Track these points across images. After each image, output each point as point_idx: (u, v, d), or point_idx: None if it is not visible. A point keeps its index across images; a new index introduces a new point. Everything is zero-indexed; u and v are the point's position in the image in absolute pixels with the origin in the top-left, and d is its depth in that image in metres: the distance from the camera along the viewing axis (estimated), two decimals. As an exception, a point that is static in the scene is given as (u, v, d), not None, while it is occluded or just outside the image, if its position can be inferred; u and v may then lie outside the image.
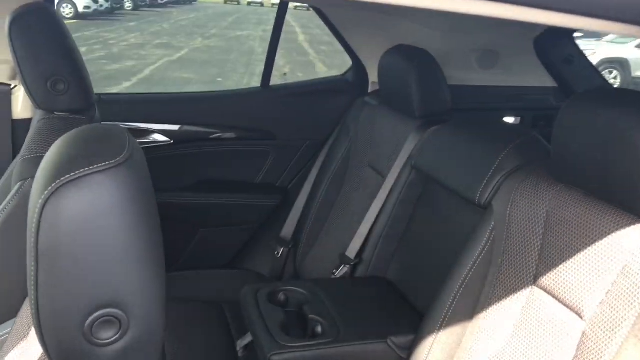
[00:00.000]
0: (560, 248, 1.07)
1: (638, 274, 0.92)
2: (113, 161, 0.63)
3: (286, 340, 1.29)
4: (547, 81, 2.23)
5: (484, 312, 1.21)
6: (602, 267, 0.98)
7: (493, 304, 1.19)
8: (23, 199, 1.27)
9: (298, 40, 15.03)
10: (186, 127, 2.03)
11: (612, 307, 0.95)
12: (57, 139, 1.34)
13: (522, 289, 1.15)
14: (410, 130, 1.66)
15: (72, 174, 0.60)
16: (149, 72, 9.80)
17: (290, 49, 12.71)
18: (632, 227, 0.96)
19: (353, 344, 1.32)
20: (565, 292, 1.05)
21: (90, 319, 0.62)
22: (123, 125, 1.95)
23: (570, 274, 1.05)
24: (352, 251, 1.66)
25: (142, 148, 1.94)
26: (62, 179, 0.60)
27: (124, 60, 10.62)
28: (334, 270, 1.67)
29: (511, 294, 1.16)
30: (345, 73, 2.25)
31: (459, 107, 1.79)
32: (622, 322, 0.92)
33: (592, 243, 1.02)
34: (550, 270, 1.09)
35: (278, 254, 2.06)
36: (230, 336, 1.62)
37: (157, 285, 0.67)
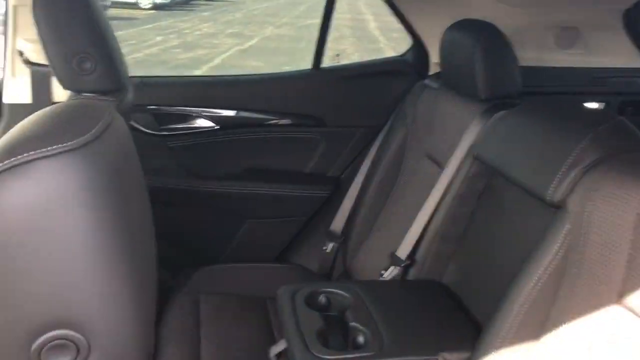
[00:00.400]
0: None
1: None
2: (69, 144, 0.50)
3: (321, 351, 1.14)
4: (638, 61, 1.96)
5: (555, 330, 1.01)
6: None
7: (565, 322, 1.00)
8: None
9: (368, 28, 14.77)
10: (231, 112, 1.91)
11: None
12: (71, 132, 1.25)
13: (602, 307, 0.95)
14: (473, 115, 1.46)
15: (14, 159, 0.48)
16: (220, 60, 9.91)
17: (361, 36, 12.50)
18: None
19: (398, 359, 1.15)
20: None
21: (38, 341, 0.49)
22: (166, 109, 1.87)
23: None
24: (403, 251, 1.49)
25: (185, 133, 1.83)
26: (2, 163, 0.48)
27: (197, 49, 10.80)
28: (383, 272, 1.50)
29: (588, 313, 0.96)
30: (405, 53, 2.06)
31: (532, 91, 1.57)
32: None
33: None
34: None
35: (327, 249, 1.92)
36: (271, 335, 1.50)
37: (131, 298, 0.54)
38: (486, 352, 1.07)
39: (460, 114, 1.53)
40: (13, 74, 1.65)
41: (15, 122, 1.18)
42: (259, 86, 2.01)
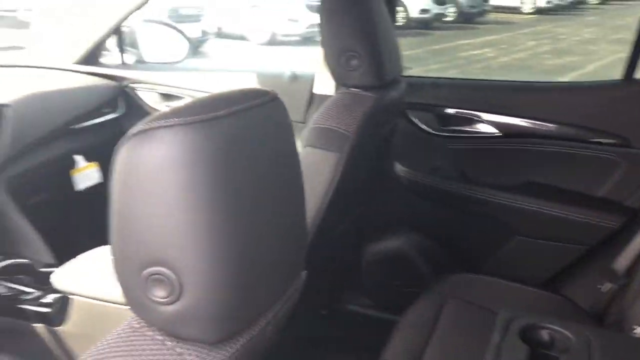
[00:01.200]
0: None
1: None
2: (187, 119, 0.62)
3: None
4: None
5: None
6: None
7: None
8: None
9: None
10: (518, 120, 1.82)
11: None
12: (341, 112, 1.41)
13: None
14: None
15: (142, 126, 0.62)
16: (593, 67, 9.15)
17: None
18: None
19: None
20: None
21: (145, 272, 0.63)
22: (450, 110, 1.90)
23: None
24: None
25: (466, 137, 1.86)
26: (136, 129, 0.63)
27: (568, 55, 10.21)
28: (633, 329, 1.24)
29: None
30: None
31: None
32: None
33: None
34: None
35: (603, 288, 1.66)
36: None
37: (219, 257, 0.64)
38: None
39: None
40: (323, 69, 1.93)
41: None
42: (553, 94, 1.84)
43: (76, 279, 1.42)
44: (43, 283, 1.54)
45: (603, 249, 1.75)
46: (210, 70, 2.44)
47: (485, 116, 1.85)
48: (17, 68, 2.20)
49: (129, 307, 0.67)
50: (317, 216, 1.37)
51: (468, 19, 13.94)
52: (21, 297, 1.53)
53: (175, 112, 0.62)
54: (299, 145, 1.42)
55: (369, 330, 1.79)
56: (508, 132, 1.83)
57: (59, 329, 1.45)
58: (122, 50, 2.35)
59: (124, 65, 2.34)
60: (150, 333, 0.66)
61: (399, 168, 1.97)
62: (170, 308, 0.63)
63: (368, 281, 2.09)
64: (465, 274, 1.75)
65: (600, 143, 1.75)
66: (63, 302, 1.43)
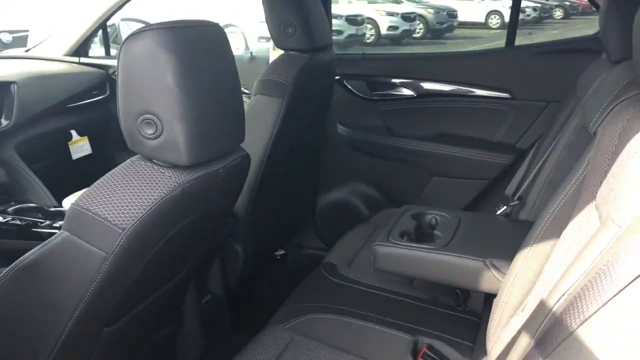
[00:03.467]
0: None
1: None
2: (162, 27, 1.04)
3: (396, 239, 1.47)
4: None
5: (566, 232, 1.13)
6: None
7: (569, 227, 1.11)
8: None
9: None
10: (430, 84, 2.27)
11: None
12: (281, 69, 1.84)
13: (584, 207, 1.05)
14: (600, 73, 1.52)
15: (138, 30, 1.04)
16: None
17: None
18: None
19: (451, 254, 1.39)
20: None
21: (140, 118, 1.04)
22: (378, 79, 2.35)
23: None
24: (512, 191, 1.64)
25: (391, 99, 2.33)
26: (133, 32, 1.05)
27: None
28: (497, 209, 1.68)
29: (577, 213, 1.07)
30: (597, 32, 2.07)
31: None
32: None
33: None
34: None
35: (499, 211, 2.10)
36: None
37: (188, 113, 1.05)
38: (523, 252, 1.23)
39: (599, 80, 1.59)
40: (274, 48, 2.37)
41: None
42: (455, 61, 2.31)
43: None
44: (52, 217, 1.93)
45: (500, 181, 2.20)
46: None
47: (405, 82, 2.31)
48: (17, 59, 2.60)
49: (129, 146, 1.08)
50: (266, 148, 1.79)
51: (436, 35, 14.43)
52: (36, 225, 1.92)
53: (155, 24, 1.05)
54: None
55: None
56: (423, 93, 2.29)
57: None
58: (107, 44, 2.77)
59: (109, 56, 2.76)
60: (142, 162, 1.07)
61: (340, 128, 2.40)
62: (155, 141, 1.03)
63: (321, 227, 2.51)
64: (390, 209, 2.18)
65: (492, 97, 2.21)
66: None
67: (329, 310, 1.57)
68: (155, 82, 1.00)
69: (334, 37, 2.04)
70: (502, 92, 2.19)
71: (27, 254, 1.06)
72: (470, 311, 1.61)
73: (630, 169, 0.79)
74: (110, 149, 2.72)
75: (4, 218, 1.96)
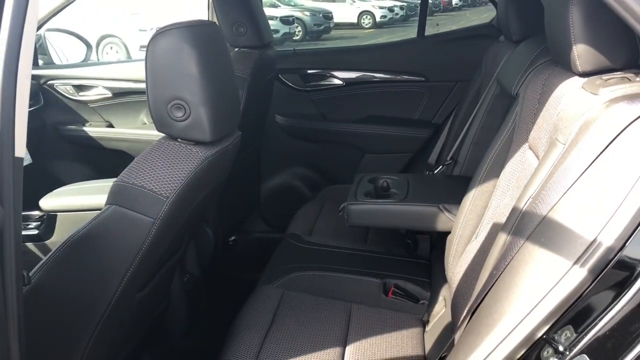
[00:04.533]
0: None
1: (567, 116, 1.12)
2: (182, 26, 1.24)
3: (363, 199, 1.76)
4: None
5: (504, 171, 1.45)
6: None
7: (506, 167, 1.44)
8: None
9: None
10: (356, 73, 2.59)
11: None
12: (237, 64, 2.03)
13: (518, 148, 1.39)
14: (506, 52, 1.91)
15: (163, 29, 1.23)
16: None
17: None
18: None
19: (411, 204, 1.71)
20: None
21: (170, 103, 1.22)
22: (309, 71, 2.62)
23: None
24: (448, 154, 2.00)
25: (323, 89, 2.59)
26: (159, 30, 1.23)
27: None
28: (434, 169, 2.03)
29: (511, 154, 1.41)
30: (491, 20, 2.51)
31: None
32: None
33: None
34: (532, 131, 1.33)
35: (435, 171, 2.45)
36: None
37: (210, 97, 1.24)
38: (468, 195, 1.55)
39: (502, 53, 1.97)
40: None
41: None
42: (377, 52, 2.66)
43: (58, 200, 1.91)
44: (25, 217, 1.99)
45: (422, 152, 2.56)
46: (116, 62, 2.95)
47: (334, 72, 2.61)
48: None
49: (158, 129, 1.26)
50: None
51: (315, 37, 14.91)
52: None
53: (177, 24, 1.24)
54: None
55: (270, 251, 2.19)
56: (350, 82, 2.60)
57: (48, 242, 1.92)
58: (35, 55, 2.79)
59: (37, 66, 2.78)
60: (170, 142, 1.26)
61: (279, 118, 2.65)
62: (184, 123, 1.21)
63: (267, 211, 2.73)
64: (334, 186, 2.47)
65: (410, 81, 2.57)
66: (49, 221, 1.91)
67: (308, 268, 1.82)
68: (182, 72, 1.19)
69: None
70: (418, 76, 2.56)
71: (77, 230, 1.21)
72: (420, 256, 1.94)
73: (560, 107, 1.13)
74: (48, 157, 2.75)
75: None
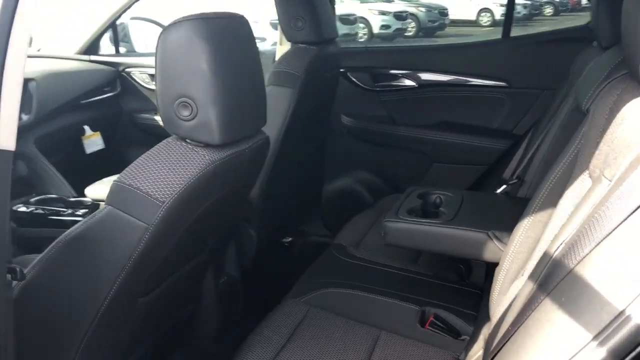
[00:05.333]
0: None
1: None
2: (195, 18, 1.14)
3: (404, 216, 1.58)
4: None
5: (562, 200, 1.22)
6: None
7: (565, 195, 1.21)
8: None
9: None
10: (430, 74, 2.38)
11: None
12: (292, 61, 1.94)
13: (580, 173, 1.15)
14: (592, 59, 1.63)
15: (175, 20, 1.14)
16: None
17: None
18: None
19: (456, 227, 1.50)
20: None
21: (177, 101, 1.14)
22: (381, 70, 2.46)
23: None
24: (510, 172, 1.75)
25: (394, 90, 2.43)
26: (171, 22, 1.15)
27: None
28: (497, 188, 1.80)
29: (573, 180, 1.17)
30: (588, 22, 2.19)
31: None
32: None
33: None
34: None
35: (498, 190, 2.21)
36: None
37: (220, 96, 1.14)
38: (523, 221, 1.33)
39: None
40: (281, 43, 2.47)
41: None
42: (456, 52, 2.42)
43: (101, 189, 1.92)
44: (73, 207, 2.03)
45: (498, 166, 2.31)
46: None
47: (406, 73, 2.42)
48: (32, 58, 2.70)
49: (165, 128, 1.18)
50: (278, 136, 1.90)
51: (428, 34, 14.57)
52: (59, 214, 2.01)
53: (189, 15, 1.15)
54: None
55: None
56: (423, 83, 2.40)
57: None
58: (116, 43, 2.87)
59: (118, 54, 2.86)
60: (177, 142, 1.17)
61: (345, 119, 2.51)
62: (190, 123, 1.12)
63: (327, 214, 2.61)
64: (393, 195, 2.29)
65: (490, 86, 2.32)
66: (93, 209, 1.92)
67: (341, 285, 1.67)
68: (191, 67, 1.09)
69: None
70: (500, 81, 2.30)
71: (72, 228, 1.16)
72: (472, 284, 1.72)
73: (618, 133, 0.90)
74: (121, 144, 2.82)
75: (28, 208, 2.05)
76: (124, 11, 2.70)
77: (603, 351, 0.64)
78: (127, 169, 1.14)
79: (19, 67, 1.03)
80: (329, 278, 1.72)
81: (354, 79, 2.47)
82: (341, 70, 2.42)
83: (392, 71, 2.45)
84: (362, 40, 11.99)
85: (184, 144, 1.15)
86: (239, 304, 2.01)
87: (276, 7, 1.96)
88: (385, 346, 1.45)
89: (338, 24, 10.30)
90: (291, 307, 1.58)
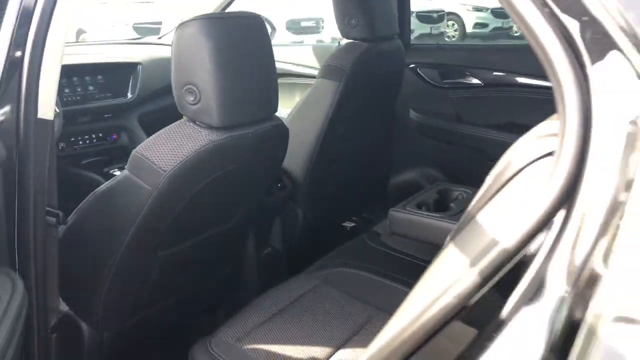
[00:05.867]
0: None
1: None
2: (206, 17, 1.32)
3: (412, 208, 1.63)
4: None
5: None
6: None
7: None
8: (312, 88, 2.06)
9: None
10: (500, 73, 2.34)
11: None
12: (342, 54, 2.04)
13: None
14: None
15: (188, 20, 1.33)
16: None
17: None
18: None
19: (451, 222, 1.53)
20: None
21: (184, 87, 1.33)
22: (450, 67, 2.46)
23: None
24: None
25: (462, 87, 2.46)
26: (183, 22, 1.34)
27: None
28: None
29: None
30: None
31: None
32: None
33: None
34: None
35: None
36: None
37: (220, 86, 1.31)
38: None
39: None
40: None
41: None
42: (521, 52, 2.34)
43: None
44: None
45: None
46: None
47: (475, 71, 2.40)
48: (147, 45, 3.08)
49: (179, 110, 1.37)
50: (323, 125, 2.02)
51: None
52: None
53: (200, 15, 1.33)
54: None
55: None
56: (489, 82, 2.36)
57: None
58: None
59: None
60: (188, 123, 1.35)
61: (413, 114, 2.56)
62: (195, 107, 1.31)
63: (391, 205, 2.67)
64: None
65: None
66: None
67: (359, 267, 1.76)
68: (197, 60, 1.29)
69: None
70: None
71: (102, 185, 1.41)
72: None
73: None
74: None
75: (120, 171, 2.40)
76: (228, 4, 2.96)
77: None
78: (144, 141, 1.35)
79: (57, 50, 1.28)
80: (350, 259, 1.82)
81: (423, 75, 2.51)
82: (411, 66, 2.47)
83: (462, 68, 2.44)
84: (453, 40, 10.15)
85: (191, 124, 1.34)
86: (282, 275, 2.18)
87: (333, 5, 2.08)
88: (377, 324, 1.52)
89: (415, 22, 8.73)
90: (302, 280, 1.71)
